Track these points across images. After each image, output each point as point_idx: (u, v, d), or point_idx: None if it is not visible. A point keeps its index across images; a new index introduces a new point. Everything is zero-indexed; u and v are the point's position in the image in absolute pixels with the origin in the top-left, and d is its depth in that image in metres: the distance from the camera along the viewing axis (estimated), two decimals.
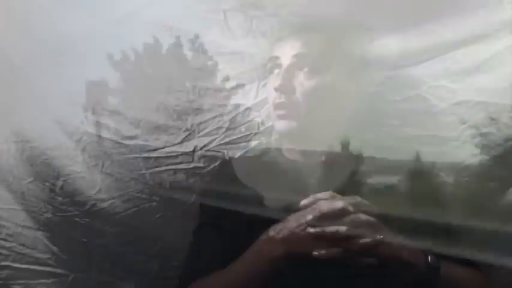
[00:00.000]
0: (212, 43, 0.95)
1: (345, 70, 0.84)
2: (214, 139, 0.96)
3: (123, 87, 0.95)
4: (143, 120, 0.94)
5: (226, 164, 0.93)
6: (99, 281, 0.96)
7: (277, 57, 0.86)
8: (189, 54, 0.95)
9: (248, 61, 0.95)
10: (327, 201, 0.70)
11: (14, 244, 0.91)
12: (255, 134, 0.97)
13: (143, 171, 0.94)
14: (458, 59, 0.82)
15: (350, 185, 0.79)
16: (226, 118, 0.96)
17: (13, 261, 0.91)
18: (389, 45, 0.84)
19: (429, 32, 0.81)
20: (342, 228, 0.67)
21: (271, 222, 0.73)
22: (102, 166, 0.93)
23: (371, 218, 0.68)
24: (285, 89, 0.83)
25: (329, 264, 0.68)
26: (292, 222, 0.71)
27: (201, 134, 0.96)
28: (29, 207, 0.92)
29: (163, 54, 0.95)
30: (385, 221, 0.69)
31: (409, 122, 0.88)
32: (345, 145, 0.80)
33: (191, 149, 0.95)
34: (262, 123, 0.97)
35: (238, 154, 0.96)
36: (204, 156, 0.95)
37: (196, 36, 0.94)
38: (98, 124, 0.93)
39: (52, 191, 0.92)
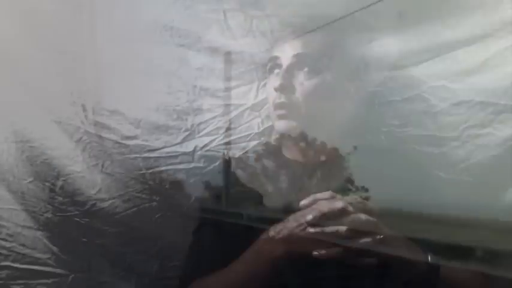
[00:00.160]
0: (212, 43, 0.95)
1: (345, 70, 0.84)
2: (214, 139, 0.96)
3: (123, 87, 0.95)
4: (143, 120, 0.94)
5: (226, 164, 0.93)
6: (99, 281, 0.96)
7: (277, 57, 0.86)
8: (189, 54, 0.95)
9: (248, 61, 0.95)
10: (327, 201, 0.70)
11: (14, 244, 0.91)
12: (255, 134, 0.97)
13: (143, 171, 0.94)
14: (458, 59, 0.82)
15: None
16: (226, 118, 0.96)
17: (13, 261, 0.90)
18: (389, 45, 0.84)
19: (429, 32, 0.81)
20: (342, 228, 0.67)
21: (271, 222, 0.73)
22: (102, 166, 0.93)
23: (371, 218, 0.68)
24: (285, 89, 0.83)
25: (329, 264, 0.68)
26: (292, 222, 0.71)
27: (201, 134, 0.96)
28: (29, 207, 0.92)
29: (163, 54, 0.95)
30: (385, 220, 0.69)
31: (409, 122, 0.88)
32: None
33: (191, 149, 0.95)
34: (262, 123, 0.97)
35: (238, 154, 0.96)
36: (204, 156, 0.95)
37: (197, 36, 0.94)
38: (97, 124, 0.93)
39: (52, 191, 0.92)
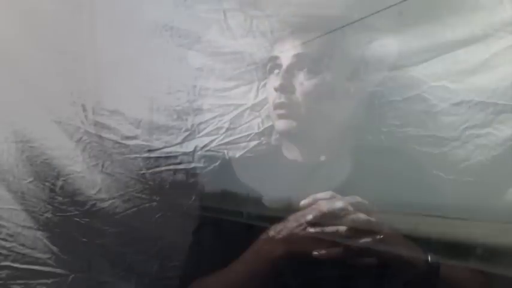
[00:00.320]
0: (212, 43, 0.95)
1: (345, 70, 0.84)
2: (215, 139, 0.96)
3: (123, 87, 0.95)
4: (143, 120, 0.94)
5: (227, 164, 0.93)
6: (99, 281, 0.96)
7: (277, 57, 0.86)
8: (189, 54, 0.95)
9: (248, 61, 0.95)
10: (327, 201, 0.70)
11: (14, 244, 0.91)
12: (255, 134, 0.97)
13: (143, 171, 0.94)
14: (458, 59, 0.82)
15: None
16: (226, 118, 0.96)
17: (13, 261, 0.91)
18: (389, 45, 0.84)
19: (429, 32, 0.81)
20: (342, 228, 0.67)
21: (271, 222, 0.73)
22: (102, 166, 0.93)
23: (371, 218, 0.68)
24: (285, 89, 0.83)
25: (329, 264, 0.68)
26: (292, 222, 0.71)
27: (201, 134, 0.96)
28: (29, 207, 0.92)
29: (163, 54, 0.95)
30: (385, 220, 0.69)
31: (409, 122, 0.88)
32: None
33: (191, 149, 0.95)
34: (262, 123, 0.97)
35: (238, 154, 0.96)
36: (204, 156, 0.95)
37: (197, 36, 0.95)
38: (97, 124, 0.93)
39: (52, 191, 0.92)
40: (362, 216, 0.68)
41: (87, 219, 0.94)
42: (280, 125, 0.85)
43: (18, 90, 0.90)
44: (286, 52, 0.84)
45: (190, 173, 0.95)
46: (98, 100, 0.93)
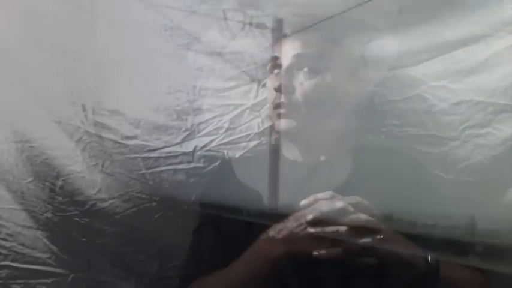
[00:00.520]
0: (212, 43, 0.95)
1: (344, 70, 0.84)
2: (214, 139, 0.96)
3: (123, 87, 0.95)
4: (143, 120, 0.94)
5: (226, 164, 0.93)
6: (99, 281, 0.96)
7: (277, 57, 0.86)
8: (189, 54, 0.95)
9: (248, 61, 0.95)
10: (327, 201, 0.70)
11: (13, 244, 0.91)
12: (255, 134, 0.97)
13: (143, 171, 0.94)
14: (458, 59, 0.82)
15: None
16: (226, 118, 0.96)
17: (13, 260, 0.91)
18: (389, 45, 0.84)
19: (429, 32, 0.81)
20: (342, 228, 0.67)
21: (271, 222, 0.73)
22: (102, 166, 0.93)
23: (371, 218, 0.68)
24: (285, 89, 0.83)
25: (329, 264, 0.68)
26: (292, 222, 0.71)
27: (201, 134, 0.96)
28: (29, 207, 0.92)
29: (163, 54, 0.95)
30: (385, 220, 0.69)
31: (409, 122, 0.88)
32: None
33: (191, 149, 0.95)
34: (262, 123, 0.97)
35: (238, 154, 0.96)
36: (204, 156, 0.95)
37: (197, 36, 0.94)
38: (97, 124, 0.93)
39: (52, 190, 0.92)
40: (362, 216, 0.68)
41: (87, 219, 0.94)
42: (280, 125, 0.85)
43: (18, 90, 0.90)
44: (286, 52, 0.84)
45: (190, 173, 0.95)
46: (97, 100, 0.93)
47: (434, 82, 0.85)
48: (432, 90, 0.85)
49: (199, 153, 0.95)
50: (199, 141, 0.95)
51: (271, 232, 0.72)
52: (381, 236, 0.67)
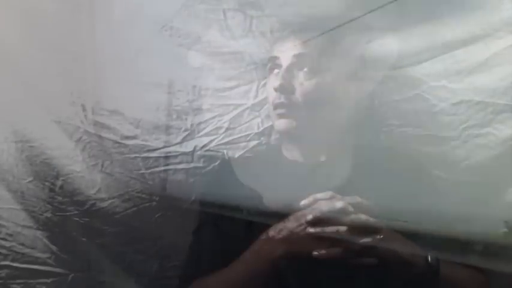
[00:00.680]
0: (212, 43, 0.95)
1: (344, 70, 0.84)
2: (214, 139, 0.96)
3: (123, 87, 0.95)
4: (143, 120, 0.94)
5: (226, 164, 0.93)
6: (98, 280, 0.96)
7: (277, 57, 0.86)
8: (189, 54, 0.95)
9: (248, 61, 0.95)
10: (327, 201, 0.70)
11: (13, 243, 0.91)
12: (255, 134, 0.97)
13: (143, 171, 0.94)
14: (458, 59, 0.82)
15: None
16: (226, 118, 0.96)
17: (12, 260, 0.90)
18: (389, 45, 0.84)
19: (429, 32, 0.81)
20: (342, 228, 0.67)
21: (271, 222, 0.73)
22: (102, 166, 0.93)
23: (371, 218, 0.68)
24: (285, 89, 0.83)
25: (329, 264, 0.68)
26: (292, 222, 0.71)
27: (200, 134, 0.96)
28: (29, 206, 0.92)
29: (163, 54, 0.95)
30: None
31: (409, 122, 0.88)
32: None
33: (191, 149, 0.95)
34: (262, 123, 0.97)
35: (238, 154, 0.96)
36: (203, 156, 0.95)
37: (196, 36, 0.94)
38: (97, 124, 0.93)
39: (52, 190, 0.92)
40: (362, 216, 0.68)
41: (86, 219, 0.94)
42: (280, 125, 0.85)
43: (18, 90, 0.90)
44: (286, 52, 0.84)
45: (190, 172, 0.95)
46: (97, 100, 0.93)
47: (434, 82, 0.85)
48: (432, 90, 0.85)
49: (199, 153, 0.95)
50: (199, 141, 0.95)
51: (271, 232, 0.72)
52: (381, 236, 0.67)
